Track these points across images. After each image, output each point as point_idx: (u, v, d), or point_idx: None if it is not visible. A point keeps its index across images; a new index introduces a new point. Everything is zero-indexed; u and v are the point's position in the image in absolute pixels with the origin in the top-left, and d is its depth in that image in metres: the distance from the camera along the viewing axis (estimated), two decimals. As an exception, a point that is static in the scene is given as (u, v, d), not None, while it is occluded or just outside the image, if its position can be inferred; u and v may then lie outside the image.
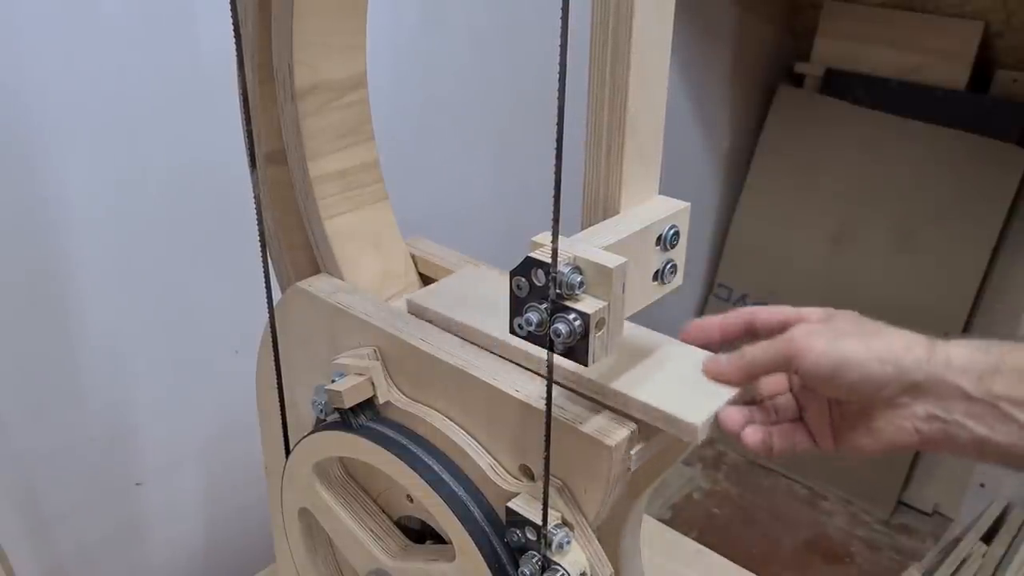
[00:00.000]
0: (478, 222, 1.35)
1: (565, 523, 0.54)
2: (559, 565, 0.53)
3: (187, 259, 0.99)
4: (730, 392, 0.53)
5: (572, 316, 0.45)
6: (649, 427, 0.52)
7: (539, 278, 0.45)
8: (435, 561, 0.62)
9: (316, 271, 0.69)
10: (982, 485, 1.77)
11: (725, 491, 2.01)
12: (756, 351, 0.52)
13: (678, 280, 0.54)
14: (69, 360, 0.93)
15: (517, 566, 0.55)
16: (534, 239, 0.46)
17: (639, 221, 0.51)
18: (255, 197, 0.59)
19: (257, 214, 0.60)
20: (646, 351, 0.57)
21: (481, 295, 0.65)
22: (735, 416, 0.52)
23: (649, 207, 0.53)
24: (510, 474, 0.57)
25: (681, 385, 0.53)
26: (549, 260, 0.45)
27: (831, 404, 0.53)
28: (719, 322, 0.56)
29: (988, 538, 1.66)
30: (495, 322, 0.60)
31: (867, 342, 0.49)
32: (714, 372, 0.53)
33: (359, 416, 0.61)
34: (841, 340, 0.49)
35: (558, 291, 0.45)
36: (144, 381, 1.00)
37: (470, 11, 1.26)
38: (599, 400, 0.54)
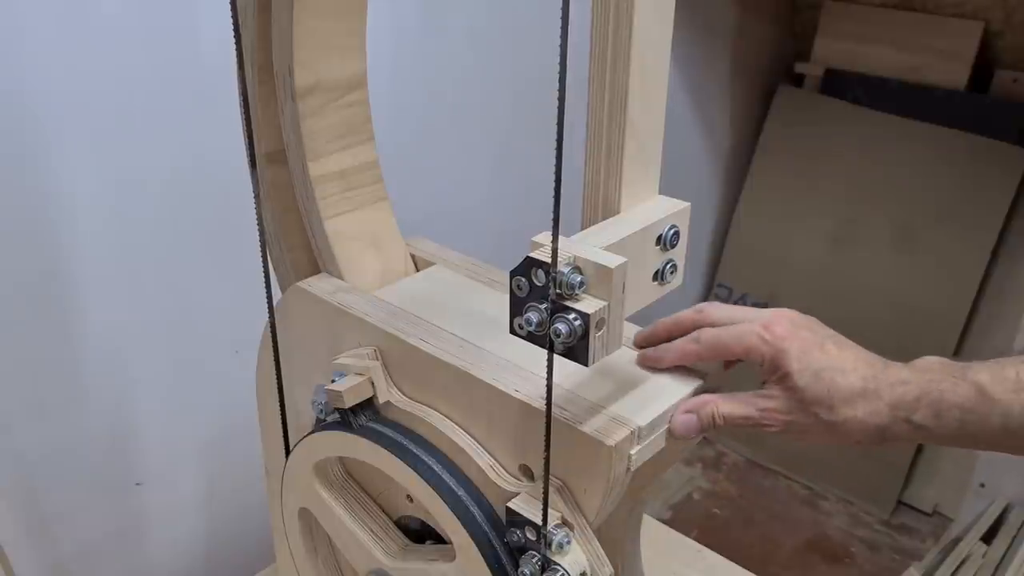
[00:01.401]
0: (478, 222, 1.35)
1: (565, 523, 0.54)
2: (559, 565, 0.53)
3: (187, 259, 0.99)
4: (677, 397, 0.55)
5: (572, 316, 0.45)
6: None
7: (539, 278, 0.45)
8: (435, 561, 0.62)
9: (316, 271, 0.69)
10: (982, 485, 1.77)
11: (725, 491, 2.01)
12: (726, 338, 0.55)
13: (678, 280, 0.54)
14: (70, 360, 0.93)
15: (517, 566, 0.55)
16: (534, 239, 0.46)
17: (639, 221, 0.51)
18: (255, 197, 0.59)
19: (257, 214, 0.60)
20: (638, 376, 0.58)
21: (448, 302, 0.65)
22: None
23: (649, 207, 0.53)
24: (510, 474, 0.57)
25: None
26: (549, 260, 0.45)
27: None
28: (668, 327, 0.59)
29: (988, 538, 1.66)
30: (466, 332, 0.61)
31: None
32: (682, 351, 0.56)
33: (359, 416, 0.61)
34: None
35: (558, 291, 0.45)
36: (144, 381, 1.00)
37: (470, 11, 1.26)
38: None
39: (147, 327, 0.98)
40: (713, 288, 2.20)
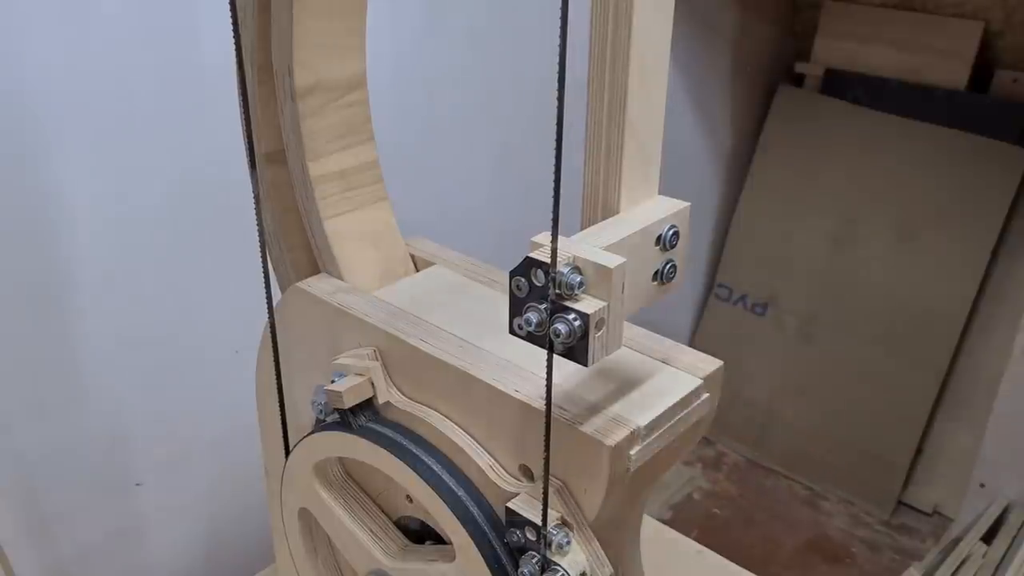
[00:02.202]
0: (478, 222, 1.35)
1: (565, 523, 0.54)
2: (559, 565, 0.53)
3: (187, 259, 0.99)
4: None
5: (572, 316, 0.45)
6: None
7: (539, 278, 0.45)
8: (435, 561, 0.62)
9: (316, 271, 0.69)
10: (982, 485, 1.77)
11: (725, 491, 2.01)
12: None
13: (678, 280, 0.54)
14: (69, 360, 0.93)
15: (517, 566, 0.55)
16: (534, 239, 0.46)
17: (639, 221, 0.51)
18: (255, 197, 0.59)
19: (257, 214, 0.60)
20: (638, 376, 0.57)
21: (447, 303, 0.65)
22: None
23: (649, 207, 0.53)
24: (510, 474, 0.57)
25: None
26: (548, 260, 0.45)
27: None
28: None
29: (988, 538, 1.66)
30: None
31: None
32: None
33: (359, 416, 0.61)
34: None
35: (557, 291, 0.45)
36: (144, 381, 1.00)
37: (470, 12, 1.26)
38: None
39: (147, 327, 0.98)
40: (713, 288, 2.20)
